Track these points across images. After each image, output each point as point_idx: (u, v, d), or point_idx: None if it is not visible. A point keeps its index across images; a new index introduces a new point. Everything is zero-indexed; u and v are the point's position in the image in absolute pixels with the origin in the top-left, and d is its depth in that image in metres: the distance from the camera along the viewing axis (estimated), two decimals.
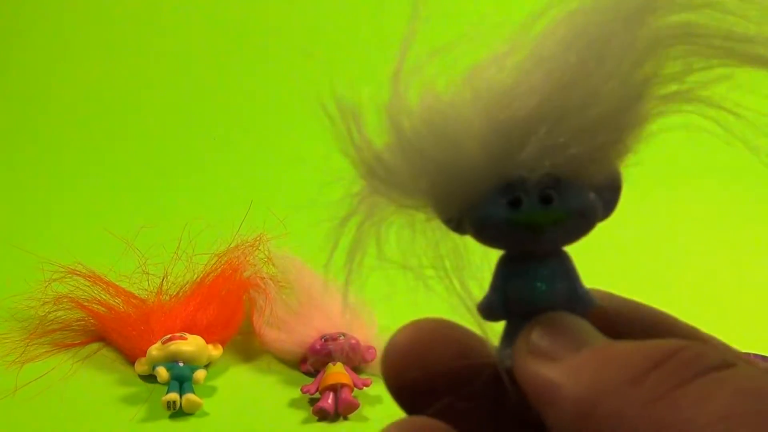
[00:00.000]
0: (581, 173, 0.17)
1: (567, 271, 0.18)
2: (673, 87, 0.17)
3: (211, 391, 0.57)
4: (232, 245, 0.68)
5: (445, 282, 0.19)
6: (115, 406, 0.55)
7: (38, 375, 0.58)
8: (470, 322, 0.19)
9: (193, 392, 0.54)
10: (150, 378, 0.57)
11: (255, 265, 0.66)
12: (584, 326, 0.17)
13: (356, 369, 0.56)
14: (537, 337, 0.17)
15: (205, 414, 0.54)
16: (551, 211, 0.17)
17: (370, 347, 0.57)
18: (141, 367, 0.58)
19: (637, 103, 0.17)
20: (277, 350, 0.60)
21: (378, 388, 0.55)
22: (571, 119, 0.16)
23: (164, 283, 0.66)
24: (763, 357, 0.56)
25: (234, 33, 1.09)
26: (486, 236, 0.18)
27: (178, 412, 0.53)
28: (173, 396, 0.53)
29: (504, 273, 0.18)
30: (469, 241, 0.19)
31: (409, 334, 0.19)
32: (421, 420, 0.18)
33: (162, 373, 0.55)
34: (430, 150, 0.17)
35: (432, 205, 0.18)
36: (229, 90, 1.07)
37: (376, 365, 0.57)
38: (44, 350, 0.61)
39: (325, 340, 0.56)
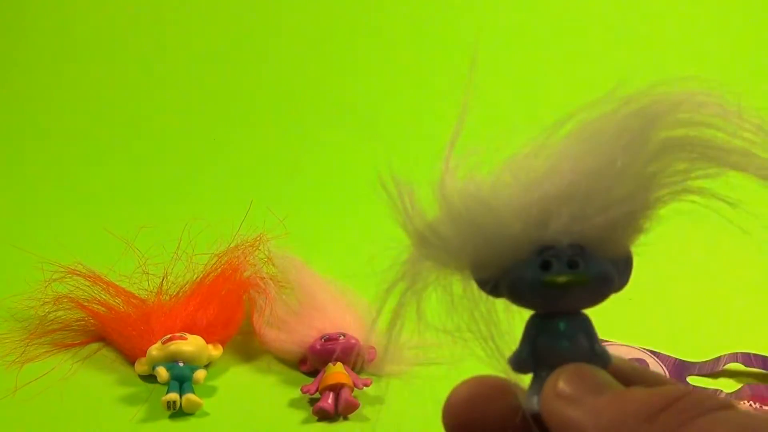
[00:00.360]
0: (602, 246, 0.20)
1: (588, 330, 0.21)
2: (678, 179, 0.20)
3: (211, 391, 0.57)
4: (232, 245, 0.68)
5: (480, 342, 0.22)
6: (115, 406, 0.55)
7: (38, 375, 0.58)
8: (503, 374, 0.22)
9: (193, 392, 0.54)
10: (150, 378, 0.57)
11: (255, 265, 0.66)
12: (604, 375, 0.20)
13: (356, 369, 0.56)
14: (563, 383, 0.19)
15: (205, 414, 0.54)
16: (577, 274, 0.20)
17: (370, 347, 0.57)
18: (141, 367, 0.58)
19: (648, 190, 0.20)
20: (277, 350, 0.60)
21: (378, 388, 0.55)
22: (595, 198, 0.20)
23: (164, 283, 0.66)
24: (764, 357, 0.56)
25: (234, 33, 1.09)
26: (519, 295, 0.21)
27: (178, 412, 0.53)
28: (173, 396, 0.53)
29: (533, 331, 0.21)
30: (499, 307, 0.22)
31: (467, 389, 0.22)
32: None
33: (162, 373, 0.55)
34: (476, 220, 0.20)
35: (473, 268, 0.21)
36: (229, 90, 1.07)
37: (376, 365, 0.57)
38: (44, 350, 0.61)
39: (325, 340, 0.56)
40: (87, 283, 0.65)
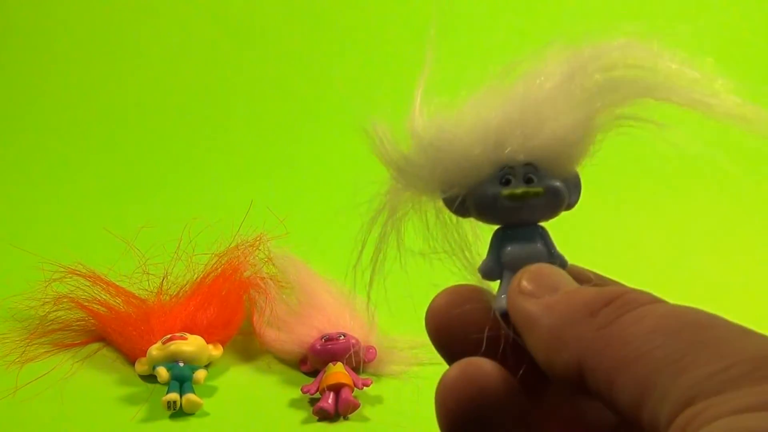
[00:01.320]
0: (553, 165, 0.24)
1: (545, 238, 0.25)
2: (613, 108, 0.24)
3: (211, 391, 0.57)
4: (232, 245, 0.68)
5: (453, 258, 0.26)
6: (115, 406, 0.55)
7: (38, 375, 0.58)
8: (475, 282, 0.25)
9: (194, 392, 0.54)
10: (150, 378, 0.57)
11: (255, 265, 0.66)
12: (561, 274, 0.23)
13: (356, 369, 0.56)
14: (525, 281, 0.22)
15: (205, 414, 0.54)
16: (532, 187, 0.24)
17: (370, 347, 0.57)
18: (141, 367, 0.58)
19: (588, 119, 0.24)
20: (277, 350, 0.60)
21: (378, 388, 0.55)
22: (543, 125, 0.24)
23: (164, 283, 0.66)
24: None
25: (234, 33, 1.09)
26: (484, 209, 0.24)
27: (178, 412, 0.53)
28: (173, 396, 0.53)
29: (497, 242, 0.25)
30: (467, 228, 0.26)
31: (445, 296, 0.25)
32: (476, 360, 0.23)
33: (162, 373, 0.55)
34: (444, 148, 0.24)
35: (443, 189, 0.25)
36: (229, 90, 1.07)
37: (376, 365, 0.57)
38: (44, 350, 0.61)
39: (325, 340, 0.56)
40: (87, 283, 0.65)
